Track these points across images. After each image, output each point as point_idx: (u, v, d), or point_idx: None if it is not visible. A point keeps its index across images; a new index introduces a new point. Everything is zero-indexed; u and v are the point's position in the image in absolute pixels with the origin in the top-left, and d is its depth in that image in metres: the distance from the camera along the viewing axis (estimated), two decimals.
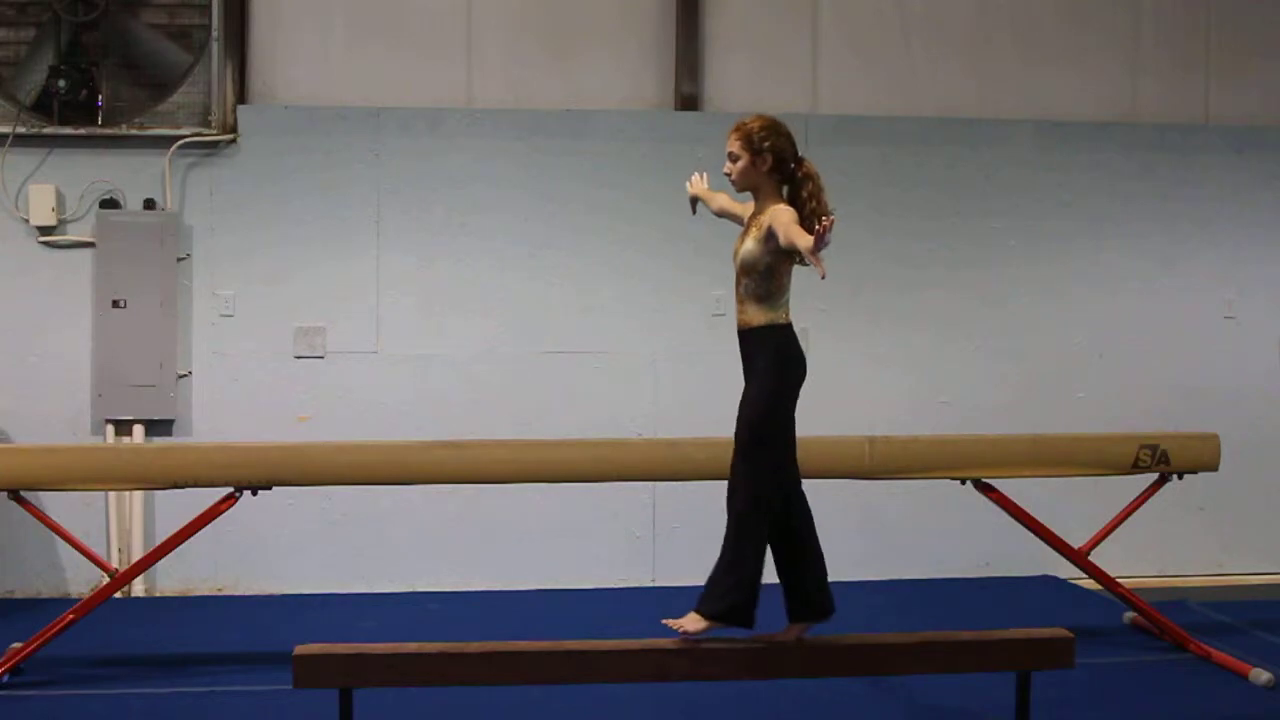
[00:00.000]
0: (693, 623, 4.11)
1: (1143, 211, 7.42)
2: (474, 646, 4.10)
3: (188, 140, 6.74)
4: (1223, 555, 7.45)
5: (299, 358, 6.85)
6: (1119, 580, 5.74)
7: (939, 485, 5.67)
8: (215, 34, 6.81)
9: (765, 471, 4.05)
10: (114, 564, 6.16)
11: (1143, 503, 5.74)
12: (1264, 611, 6.45)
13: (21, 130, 6.63)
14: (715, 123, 7.12)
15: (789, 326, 4.09)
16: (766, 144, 4.03)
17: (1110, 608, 6.22)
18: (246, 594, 6.77)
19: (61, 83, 6.60)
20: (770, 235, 3.97)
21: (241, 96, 6.88)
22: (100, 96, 6.72)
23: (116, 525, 6.71)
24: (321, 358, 6.87)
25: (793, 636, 4.17)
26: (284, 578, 6.81)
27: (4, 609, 6.39)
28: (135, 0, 6.81)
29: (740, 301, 4.09)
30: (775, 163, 4.05)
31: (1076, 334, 7.37)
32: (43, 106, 6.67)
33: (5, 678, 5.11)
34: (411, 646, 4.10)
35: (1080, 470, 5.58)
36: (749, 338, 4.09)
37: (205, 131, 6.77)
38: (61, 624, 5.14)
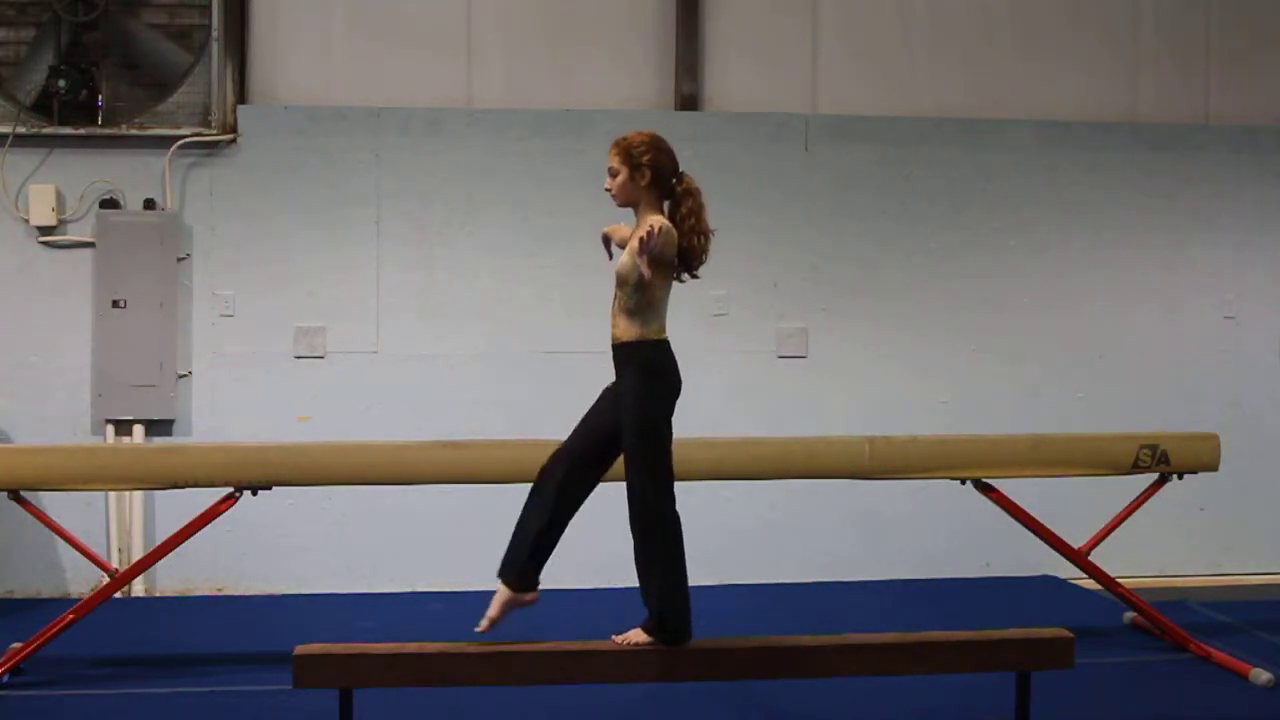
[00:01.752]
0: (638, 635, 4.10)
1: (1143, 211, 7.42)
2: (474, 646, 4.10)
3: (188, 140, 6.74)
4: (1223, 555, 7.45)
5: (299, 358, 6.85)
6: (1119, 580, 5.75)
7: (939, 485, 5.67)
8: (215, 34, 6.81)
9: (664, 489, 4.07)
10: (114, 564, 6.15)
11: (1143, 503, 5.74)
12: (1264, 611, 6.45)
13: (21, 130, 6.63)
14: (715, 123, 7.15)
15: (661, 342, 4.06)
16: (646, 159, 4.01)
17: (1110, 608, 6.22)
18: (246, 594, 6.77)
19: (61, 83, 6.60)
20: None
21: (241, 96, 6.88)
22: (100, 96, 6.72)
23: (116, 525, 6.71)
24: (321, 358, 6.87)
25: (634, 639, 4.12)
26: (284, 578, 6.81)
27: (4, 609, 6.39)
28: (135, 0, 6.81)
29: (613, 315, 4.08)
30: (655, 178, 4.02)
31: (1076, 334, 7.37)
32: (43, 106, 6.67)
33: (5, 678, 5.11)
34: (411, 646, 4.11)
35: (1080, 470, 5.58)
36: (618, 352, 4.08)
37: (205, 131, 6.77)
38: (61, 624, 5.14)
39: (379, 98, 6.98)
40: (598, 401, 4.19)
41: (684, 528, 6.75)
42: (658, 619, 4.08)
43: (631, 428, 4.02)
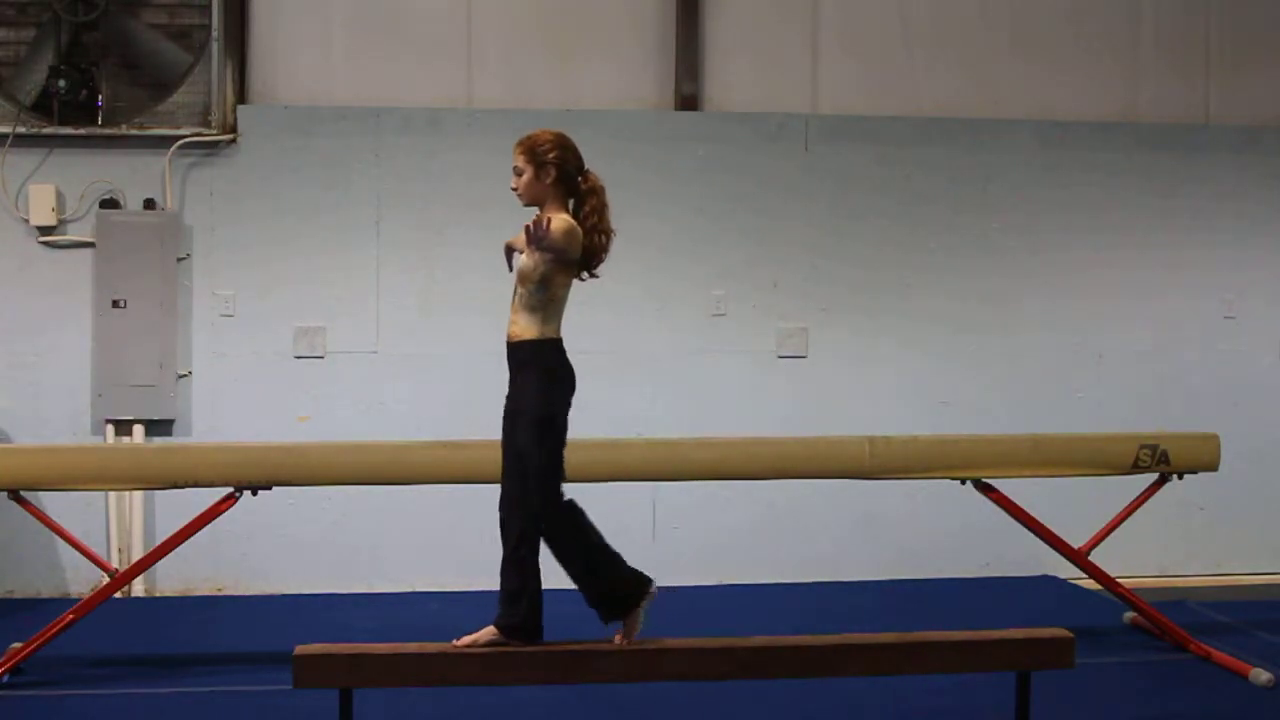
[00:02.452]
0: (487, 635, 4.04)
1: (1143, 211, 7.42)
2: (474, 647, 4.09)
3: (188, 140, 6.74)
4: (1223, 555, 7.45)
5: (299, 358, 6.85)
6: (1119, 580, 5.75)
7: (939, 485, 5.67)
8: (215, 34, 6.80)
9: (550, 490, 4.01)
10: (114, 564, 6.15)
11: (1143, 503, 5.74)
12: (1264, 611, 6.45)
13: (21, 130, 6.63)
14: (715, 123, 7.15)
15: (558, 342, 4.07)
16: (550, 156, 4.00)
17: (1110, 608, 6.22)
18: (246, 594, 6.77)
19: (61, 83, 6.60)
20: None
21: (241, 96, 6.88)
22: (100, 96, 6.72)
23: (116, 525, 6.71)
24: (321, 358, 6.87)
25: (623, 641, 4.10)
26: (284, 578, 6.81)
27: (4, 609, 6.39)
28: (135, 0, 6.81)
29: (513, 312, 4.05)
30: (559, 176, 4.02)
31: (1076, 334, 7.37)
32: (43, 106, 6.67)
33: (5, 678, 5.11)
34: (411, 646, 4.10)
35: (1080, 470, 5.59)
36: (516, 351, 4.04)
37: (205, 131, 6.77)
38: (61, 624, 5.14)
39: (379, 98, 6.98)
40: (505, 425, 4.11)
41: (684, 528, 6.77)
42: (519, 618, 4.01)
43: (530, 423, 3.99)
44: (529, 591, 4.02)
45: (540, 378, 4.03)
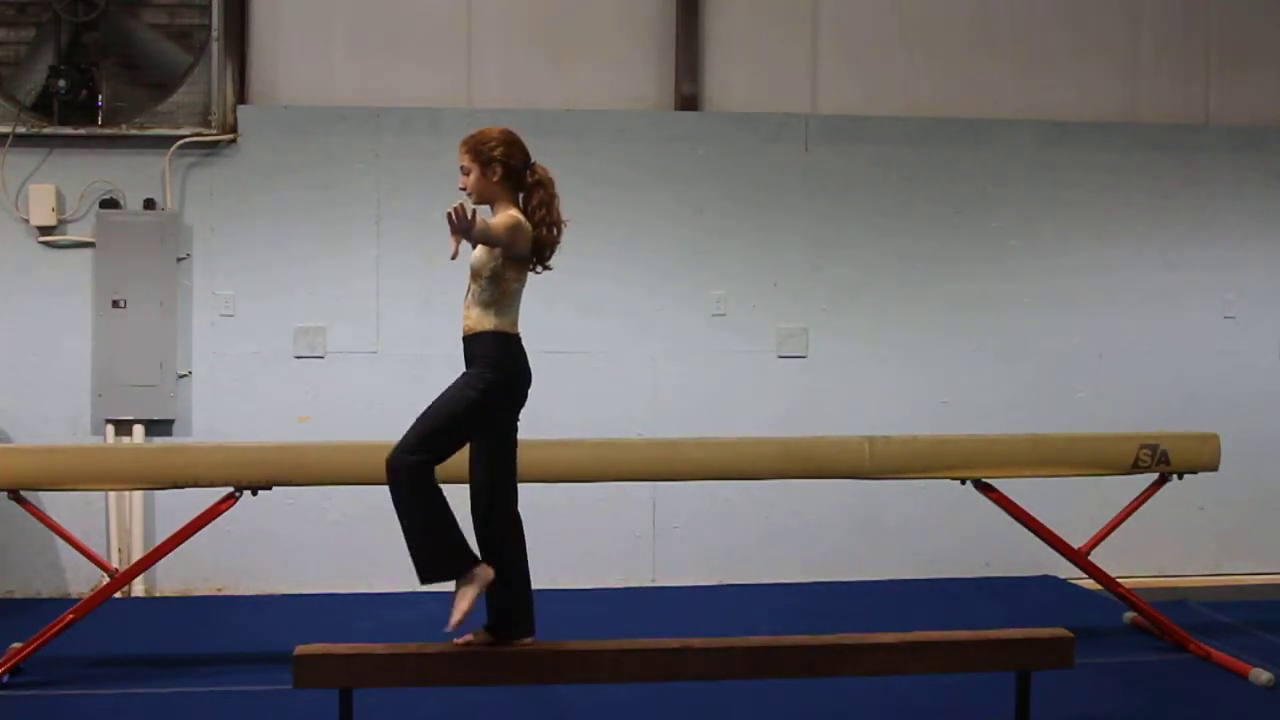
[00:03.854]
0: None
1: (1143, 211, 7.42)
2: (474, 646, 4.10)
3: (188, 140, 6.74)
4: (1223, 555, 7.45)
5: (299, 358, 6.85)
6: (1119, 580, 5.75)
7: (939, 485, 5.67)
8: (215, 34, 6.81)
9: (428, 460, 3.91)
10: (114, 564, 6.15)
11: (1143, 503, 5.74)
12: (1264, 611, 6.45)
13: (21, 130, 6.63)
14: (715, 123, 7.15)
15: (514, 337, 4.03)
16: (496, 153, 4.00)
17: (1110, 608, 6.22)
18: (246, 594, 6.77)
19: (61, 83, 6.60)
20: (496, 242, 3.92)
21: (241, 96, 6.88)
22: (100, 96, 6.72)
23: (116, 525, 6.71)
24: (321, 358, 6.87)
25: (474, 640, 4.07)
26: (284, 578, 6.81)
27: (4, 609, 6.39)
28: (135, 0, 6.81)
29: (466, 306, 4.05)
30: (506, 172, 4.01)
31: (1076, 334, 7.37)
32: (43, 106, 6.67)
33: (5, 678, 5.11)
34: (411, 646, 4.11)
35: (1080, 470, 5.58)
36: (471, 343, 4.03)
37: (205, 131, 6.78)
38: (61, 624, 5.14)
39: (379, 98, 6.98)
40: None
41: (684, 528, 6.74)
42: (426, 569, 3.98)
43: (447, 394, 3.95)
44: (443, 525, 3.97)
45: (489, 370, 3.98)
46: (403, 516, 3.97)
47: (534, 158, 4.12)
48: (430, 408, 3.98)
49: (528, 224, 4.00)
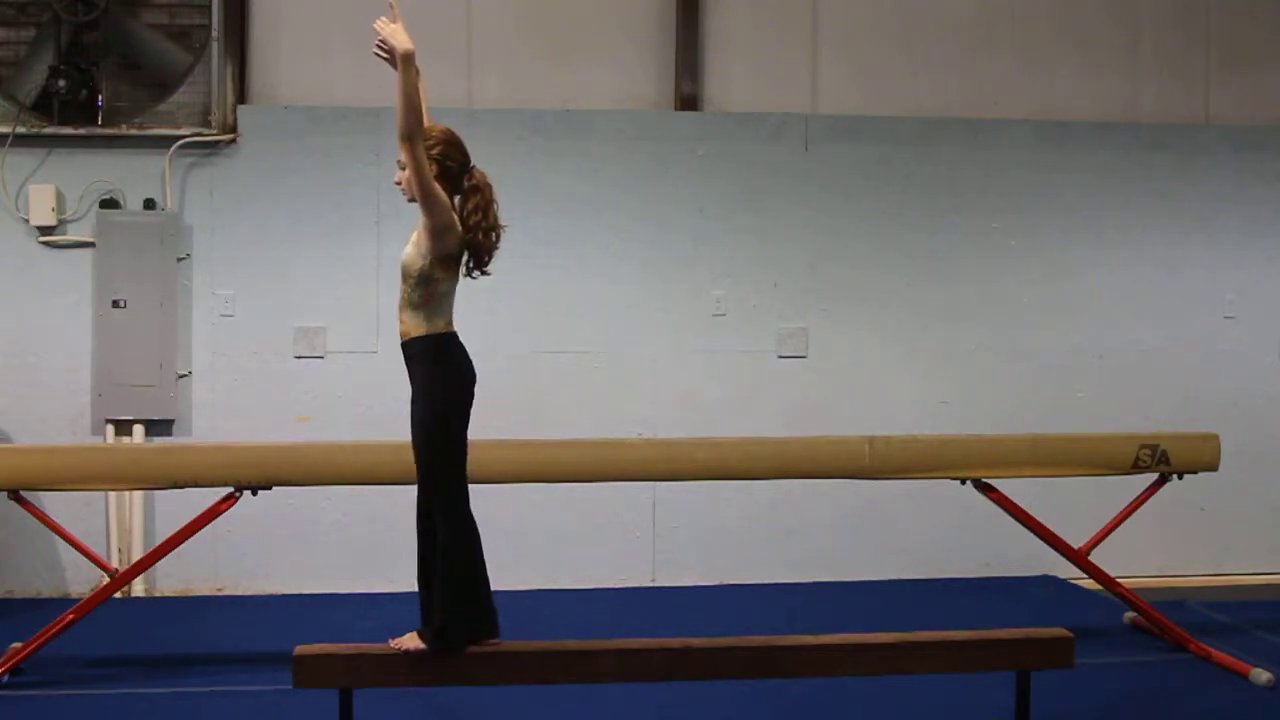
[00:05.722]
0: (411, 641, 4.00)
1: (1143, 211, 7.42)
2: (474, 646, 4.09)
3: (188, 140, 6.74)
4: (1223, 555, 7.45)
5: (299, 358, 6.85)
6: (1119, 580, 5.75)
7: (939, 485, 5.67)
8: (215, 34, 6.81)
9: (453, 490, 3.92)
10: (114, 564, 6.15)
11: (1143, 503, 5.74)
12: (1264, 611, 6.45)
13: (21, 130, 6.63)
14: (715, 123, 7.15)
15: (449, 335, 3.99)
16: (434, 151, 3.93)
17: (1110, 608, 6.22)
18: (246, 594, 6.77)
19: (61, 83, 6.60)
20: (422, 239, 3.89)
21: (241, 96, 6.88)
22: (100, 96, 6.72)
23: (116, 525, 6.71)
24: (321, 358, 6.87)
25: (408, 645, 4.01)
26: (284, 578, 6.81)
27: (4, 609, 6.39)
28: (135, 0, 6.81)
29: (399, 310, 4.00)
30: (442, 171, 3.94)
31: (1076, 334, 7.37)
32: (43, 106, 6.67)
33: (5, 678, 5.11)
34: None
35: (1080, 470, 5.59)
36: (408, 348, 3.99)
37: (205, 131, 6.78)
38: (61, 624, 5.14)
39: (379, 98, 6.94)
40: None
41: (684, 528, 6.74)
42: (438, 628, 3.94)
43: (418, 423, 3.92)
44: (449, 601, 3.92)
45: (429, 376, 3.95)
46: (443, 580, 3.94)
47: (474, 161, 4.03)
48: (416, 451, 3.95)
49: (457, 223, 3.93)
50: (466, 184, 4.01)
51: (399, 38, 3.80)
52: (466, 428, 4.02)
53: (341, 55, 6.99)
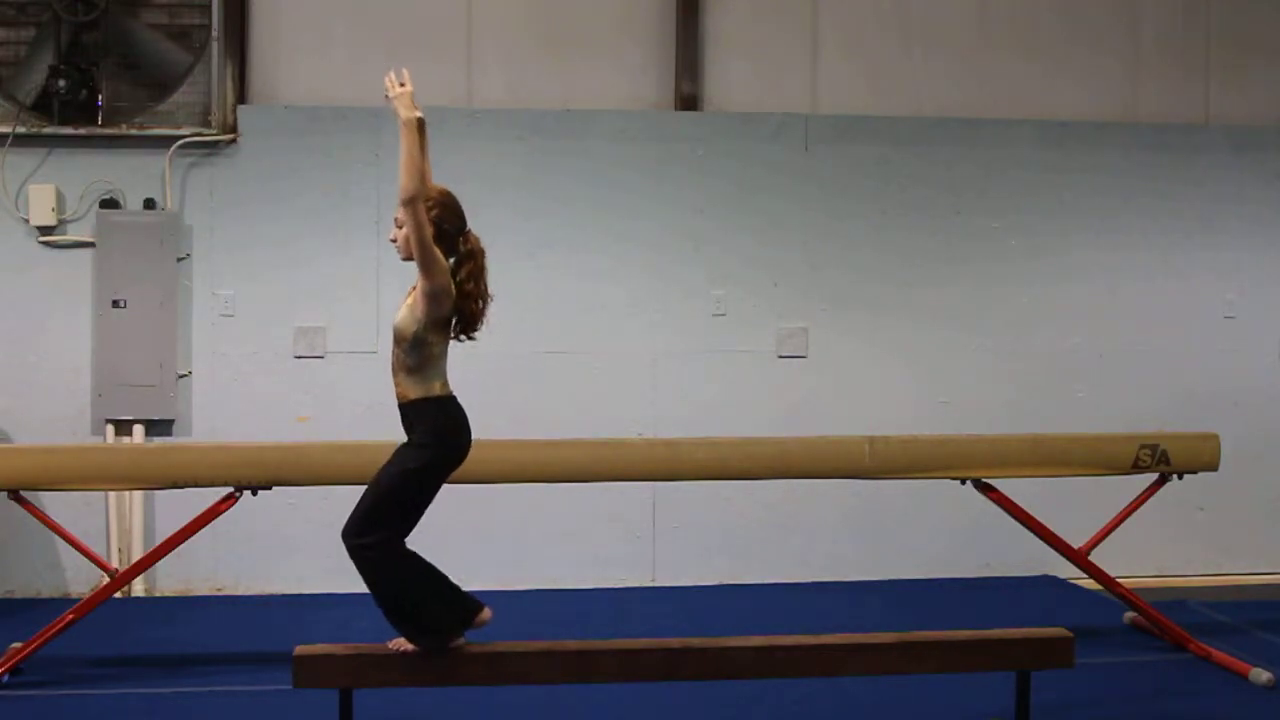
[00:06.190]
0: (404, 643, 4.06)
1: (1143, 211, 7.42)
2: (474, 646, 4.10)
3: (188, 140, 6.74)
4: (1223, 555, 7.45)
5: (299, 358, 6.85)
6: (1119, 580, 5.75)
7: (939, 485, 5.67)
8: (215, 34, 6.81)
9: (389, 534, 3.95)
10: (114, 564, 6.15)
11: (1143, 503, 5.74)
12: (1264, 611, 6.45)
13: (21, 130, 6.63)
14: (715, 123, 7.15)
15: (447, 399, 3.98)
16: (431, 214, 3.93)
17: (1110, 608, 6.22)
18: (246, 594, 6.77)
19: (61, 83, 6.60)
20: (419, 304, 3.88)
21: (241, 96, 6.88)
22: (100, 96, 6.72)
23: (116, 525, 6.71)
24: (321, 358, 6.87)
25: (404, 646, 4.06)
26: (284, 578, 6.81)
27: (4, 609, 6.39)
28: (135, 0, 6.81)
29: (394, 373, 3.98)
30: (438, 233, 3.93)
31: (1076, 334, 7.37)
32: (43, 106, 6.67)
33: (5, 678, 5.11)
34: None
35: (1080, 470, 5.59)
36: (406, 411, 3.97)
37: (205, 131, 6.78)
38: (61, 624, 5.14)
39: (379, 98, 6.91)
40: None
41: (684, 528, 6.73)
42: (408, 635, 4.02)
43: (395, 466, 3.94)
44: (392, 613, 3.97)
45: (425, 435, 3.94)
46: (382, 598, 3.97)
47: (469, 225, 4.03)
48: (371, 487, 3.97)
49: (453, 286, 3.93)
50: (462, 248, 4.01)
51: (404, 104, 3.85)
52: (437, 490, 4.02)
53: (341, 55, 7.00)
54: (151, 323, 6.71)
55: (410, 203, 3.83)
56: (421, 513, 3.99)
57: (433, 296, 3.87)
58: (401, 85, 3.89)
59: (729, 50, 7.25)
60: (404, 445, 3.98)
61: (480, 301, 3.99)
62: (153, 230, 6.71)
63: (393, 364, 3.98)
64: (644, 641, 4.28)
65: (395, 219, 4.00)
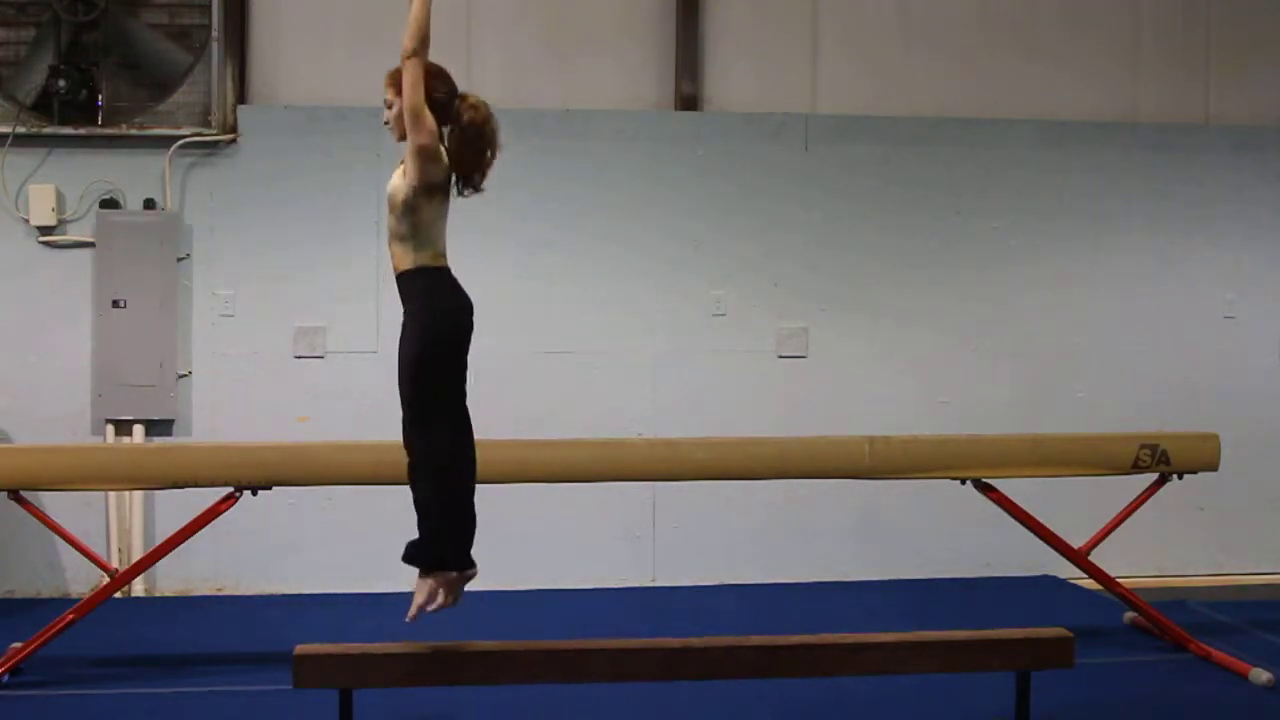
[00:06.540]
0: (422, 592, 3.99)
1: (1143, 211, 7.42)
2: (474, 646, 4.10)
3: (188, 140, 6.74)
4: (1223, 555, 7.45)
5: (299, 358, 6.85)
6: (1119, 580, 5.75)
7: (939, 485, 5.66)
8: (215, 34, 6.81)
9: (433, 425, 3.92)
10: (114, 564, 6.15)
11: (1143, 503, 5.74)
12: (1264, 611, 6.45)
13: (21, 130, 6.63)
14: (715, 123, 7.15)
15: (441, 270, 3.95)
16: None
17: (1110, 608, 6.22)
18: (246, 594, 6.77)
19: (61, 83, 6.60)
20: (408, 165, 3.86)
21: (241, 96, 6.88)
22: (100, 96, 6.72)
23: (116, 525, 6.71)
24: (321, 358, 6.87)
25: (419, 601, 4.01)
26: (284, 578, 6.81)
27: (4, 609, 6.39)
28: (135, 0, 6.81)
29: (389, 242, 3.96)
30: (429, 102, 3.90)
31: (1076, 334, 7.37)
32: (43, 106, 6.67)
33: (5, 678, 5.11)
34: (410, 646, 4.10)
35: (1080, 470, 5.59)
36: (400, 282, 3.96)
37: (205, 131, 6.78)
38: (61, 624, 5.14)
39: (379, 98, 6.95)
40: None
41: (684, 528, 6.72)
42: (424, 545, 3.98)
43: (402, 358, 3.93)
44: (435, 524, 3.95)
45: (415, 311, 3.92)
46: (425, 505, 3.96)
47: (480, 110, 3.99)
48: (399, 384, 3.97)
49: (440, 149, 3.90)
50: (459, 106, 3.99)
51: None
52: (459, 360, 3.97)
53: (341, 55, 6.99)
54: (151, 323, 6.72)
55: (412, 56, 3.82)
56: (450, 392, 3.94)
57: (419, 154, 3.84)
58: None
59: (729, 50, 7.25)
60: (402, 326, 3.95)
61: (488, 151, 3.97)
62: (153, 230, 6.71)
63: (389, 237, 3.96)
64: (644, 641, 4.28)
65: (385, 101, 3.98)
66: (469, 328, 4.00)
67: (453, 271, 4.01)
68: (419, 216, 3.91)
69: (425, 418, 3.92)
